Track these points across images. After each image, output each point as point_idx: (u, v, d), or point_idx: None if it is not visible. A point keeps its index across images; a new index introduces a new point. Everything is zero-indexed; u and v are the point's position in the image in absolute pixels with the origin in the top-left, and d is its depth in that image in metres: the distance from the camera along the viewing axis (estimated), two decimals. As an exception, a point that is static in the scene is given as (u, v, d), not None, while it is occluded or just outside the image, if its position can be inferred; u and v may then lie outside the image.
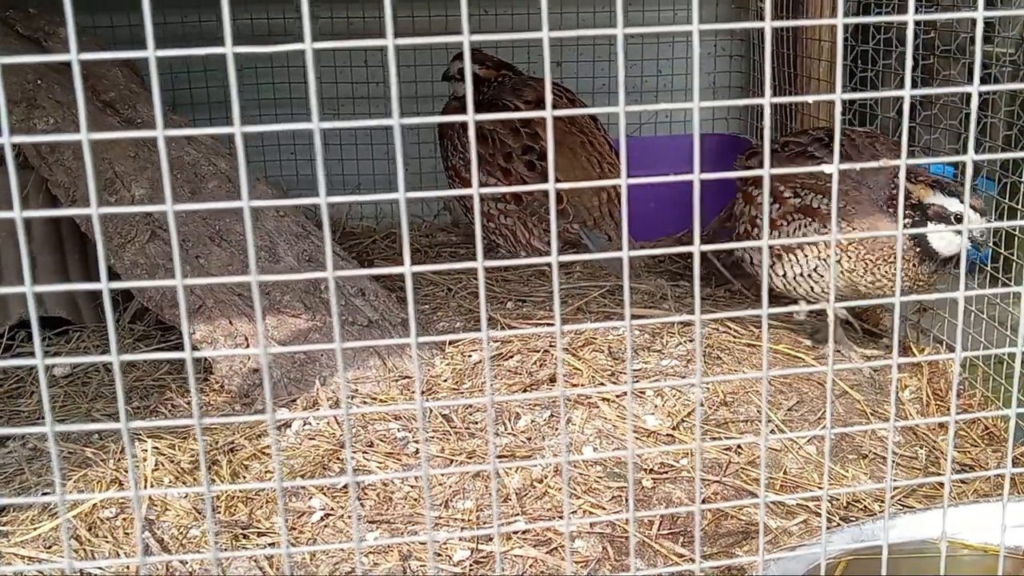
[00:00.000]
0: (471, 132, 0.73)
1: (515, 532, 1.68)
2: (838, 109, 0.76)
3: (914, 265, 2.09)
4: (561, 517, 1.71)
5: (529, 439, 1.97)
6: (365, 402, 2.15)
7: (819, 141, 2.36)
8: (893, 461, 1.95)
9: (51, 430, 0.79)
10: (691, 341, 2.33)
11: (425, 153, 3.37)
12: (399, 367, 2.24)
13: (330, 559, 1.65)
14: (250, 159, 3.04)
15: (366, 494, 1.82)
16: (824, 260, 2.14)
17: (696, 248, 0.82)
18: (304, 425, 2.05)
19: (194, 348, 2.24)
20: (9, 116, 0.71)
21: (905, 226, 2.09)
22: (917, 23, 2.57)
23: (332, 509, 1.79)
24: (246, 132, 0.77)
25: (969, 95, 2.36)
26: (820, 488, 1.75)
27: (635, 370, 2.22)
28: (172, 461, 1.91)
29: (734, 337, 2.37)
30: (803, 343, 2.40)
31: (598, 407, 2.05)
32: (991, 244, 2.38)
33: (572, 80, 3.33)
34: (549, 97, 0.77)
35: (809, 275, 2.18)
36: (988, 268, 2.30)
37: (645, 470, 1.87)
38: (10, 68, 2.37)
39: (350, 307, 2.32)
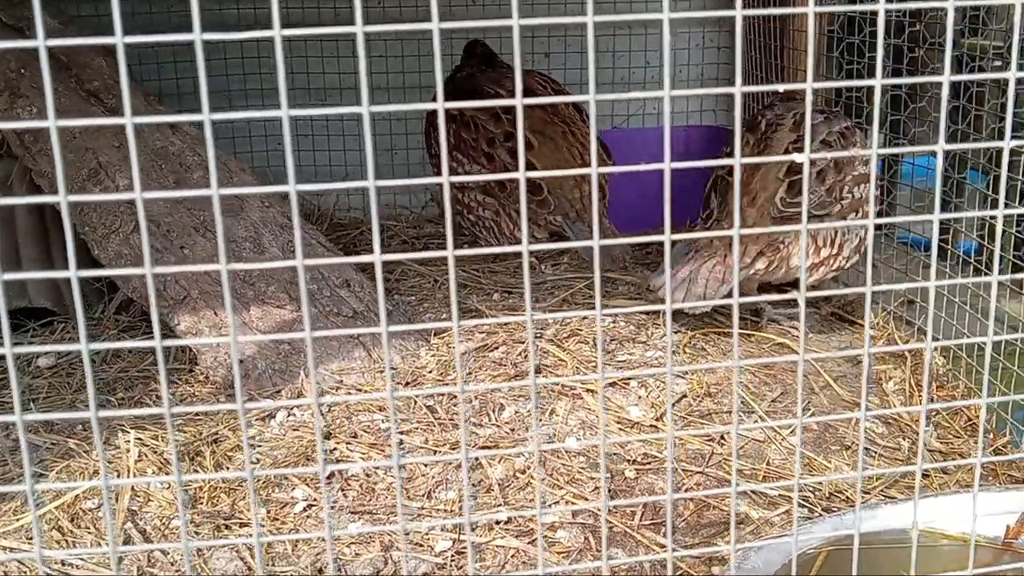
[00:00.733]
0: (440, 119, 0.73)
1: (497, 522, 1.69)
2: (808, 98, 0.76)
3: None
4: (545, 506, 1.72)
5: (513, 430, 1.97)
6: (350, 393, 2.14)
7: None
8: (876, 452, 1.96)
9: (20, 419, 0.79)
10: (676, 332, 2.33)
11: (413, 144, 3.37)
12: (384, 358, 2.23)
13: (312, 549, 1.65)
14: (237, 150, 3.04)
15: (349, 485, 1.82)
16: None
17: (667, 237, 0.82)
18: (288, 416, 2.05)
19: (179, 339, 2.24)
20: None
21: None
22: (901, 13, 2.55)
23: (315, 500, 1.78)
24: (216, 119, 0.77)
25: (957, 87, 2.36)
26: (800, 478, 1.75)
27: (619, 361, 2.22)
28: (155, 452, 1.91)
29: (719, 328, 2.37)
30: (791, 332, 2.41)
31: (582, 398, 2.05)
32: (975, 237, 2.39)
33: (559, 72, 3.33)
34: (519, 85, 0.77)
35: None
36: (972, 261, 2.31)
37: (628, 461, 1.87)
38: (-7, 57, 2.37)
39: (335, 298, 2.32)
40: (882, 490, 1.83)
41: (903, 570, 1.41)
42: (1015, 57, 0.78)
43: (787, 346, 2.35)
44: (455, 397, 2.09)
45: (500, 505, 1.75)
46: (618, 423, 1.99)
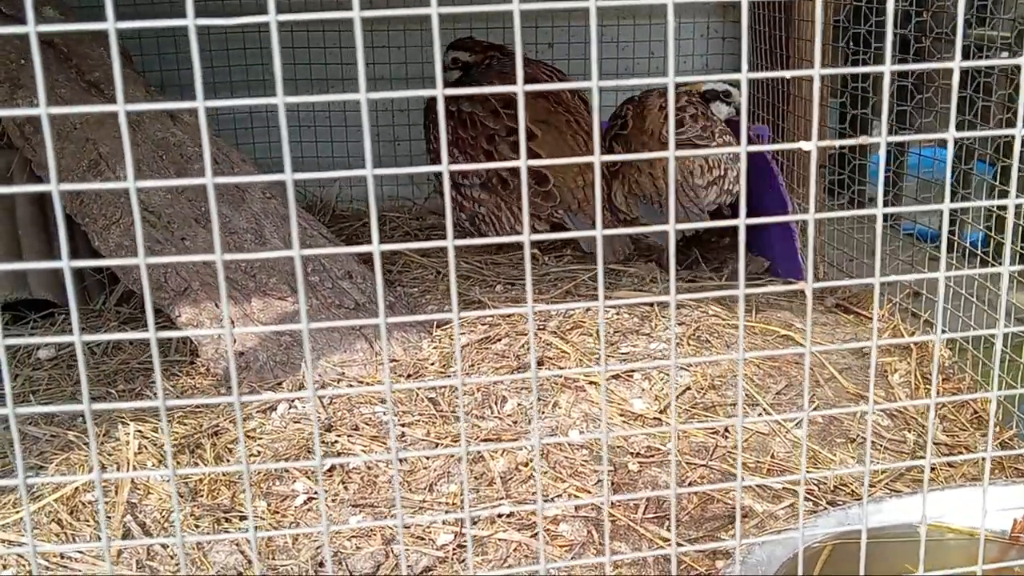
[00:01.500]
0: (439, 106, 0.71)
1: (499, 516, 1.67)
2: (816, 84, 0.74)
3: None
4: (547, 501, 1.70)
5: (515, 423, 1.96)
6: (351, 385, 2.13)
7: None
8: (882, 445, 1.94)
9: (12, 412, 0.77)
10: (680, 324, 2.32)
11: (415, 135, 3.35)
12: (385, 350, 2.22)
13: (312, 543, 1.64)
14: (240, 141, 3.02)
15: (350, 477, 1.81)
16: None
17: (672, 227, 0.80)
18: (289, 408, 2.04)
19: (176, 330, 2.22)
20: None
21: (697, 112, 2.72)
22: (909, 2, 2.53)
23: (316, 493, 1.77)
24: (210, 106, 0.75)
25: (964, 77, 2.34)
26: (806, 472, 1.74)
27: (623, 353, 2.21)
28: (155, 444, 1.89)
29: (722, 320, 2.35)
30: (795, 324, 2.39)
31: (585, 391, 2.04)
32: (982, 228, 2.37)
33: (563, 62, 3.30)
34: (520, 70, 0.75)
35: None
36: (980, 252, 2.29)
37: (631, 454, 1.86)
38: (-8, 47, 2.35)
39: (337, 290, 2.31)
40: (887, 483, 1.81)
41: (909, 564, 1.39)
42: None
43: (791, 338, 2.33)
44: (457, 389, 2.07)
45: (502, 498, 1.73)
46: (621, 416, 1.97)
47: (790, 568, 1.40)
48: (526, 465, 1.82)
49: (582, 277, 2.64)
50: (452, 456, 1.83)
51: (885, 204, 2.69)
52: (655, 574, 1.56)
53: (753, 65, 3.18)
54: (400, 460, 1.84)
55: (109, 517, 1.71)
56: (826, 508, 1.69)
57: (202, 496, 1.76)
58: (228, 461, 1.88)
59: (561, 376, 2.05)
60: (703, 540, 1.65)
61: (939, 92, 2.59)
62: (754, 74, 0.73)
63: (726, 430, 1.93)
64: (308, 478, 1.81)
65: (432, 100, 2.98)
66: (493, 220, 2.87)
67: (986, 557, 1.30)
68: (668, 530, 1.66)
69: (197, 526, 1.68)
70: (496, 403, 2.02)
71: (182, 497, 1.75)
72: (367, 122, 0.74)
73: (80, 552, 1.60)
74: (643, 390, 2.05)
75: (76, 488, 1.76)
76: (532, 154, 2.74)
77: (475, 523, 1.67)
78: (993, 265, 2.21)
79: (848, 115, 2.91)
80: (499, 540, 1.63)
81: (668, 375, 2.08)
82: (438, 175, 3.25)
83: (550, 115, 2.83)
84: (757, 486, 1.76)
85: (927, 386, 2.17)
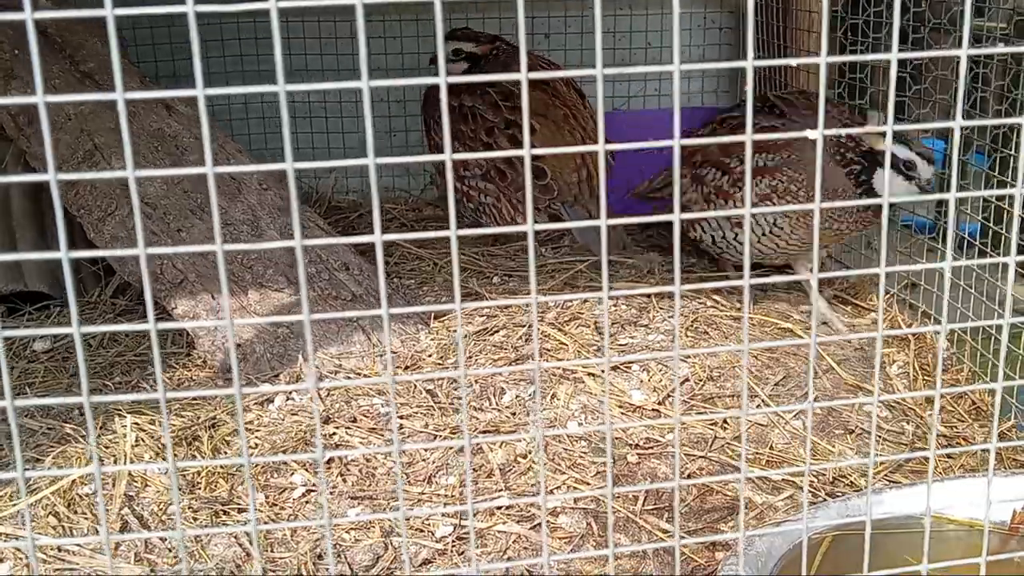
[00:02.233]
0: (443, 94, 0.71)
1: (498, 508, 1.67)
2: (823, 72, 0.73)
3: (861, 211, 2.23)
4: (548, 493, 1.70)
5: (514, 414, 1.96)
6: (349, 377, 2.12)
7: (757, 110, 2.38)
8: (880, 436, 1.94)
9: (10, 404, 0.77)
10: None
11: (412, 126, 3.34)
12: (384, 342, 2.21)
13: (311, 535, 1.64)
14: (236, 132, 3.00)
15: (348, 470, 1.80)
16: (784, 215, 2.20)
17: (676, 217, 0.79)
18: (287, 400, 2.03)
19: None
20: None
21: (854, 172, 2.13)
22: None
23: (314, 485, 1.77)
24: (210, 95, 0.74)
25: (958, 65, 2.33)
26: (805, 463, 1.73)
27: (622, 345, 2.20)
28: (153, 437, 1.89)
29: (721, 311, 2.35)
30: (793, 316, 2.39)
31: (584, 382, 2.03)
32: (980, 219, 2.36)
33: (559, 52, 3.29)
34: (524, 59, 0.75)
35: (771, 232, 2.23)
36: (978, 243, 2.28)
37: (630, 445, 1.86)
38: (-14, 38, 2.33)
39: (334, 281, 2.30)
40: (886, 475, 1.81)
41: (909, 556, 1.39)
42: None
43: (789, 330, 2.33)
44: (455, 381, 2.07)
45: (501, 490, 1.73)
46: (620, 407, 1.97)
47: (790, 560, 1.39)
48: (525, 457, 1.82)
49: (579, 268, 2.63)
50: (450, 448, 1.82)
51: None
52: (654, 566, 1.56)
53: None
54: (400, 452, 1.83)
55: (107, 510, 1.70)
56: (825, 500, 1.69)
57: (200, 489, 1.75)
58: (225, 453, 1.87)
59: (560, 367, 2.04)
60: (702, 532, 1.64)
61: (936, 82, 2.58)
62: (760, 62, 0.73)
63: (725, 421, 1.92)
64: (306, 470, 1.80)
65: (430, 93, 2.97)
66: (493, 211, 2.86)
67: (988, 549, 1.30)
68: (667, 522, 1.65)
69: (195, 519, 1.67)
70: (494, 395, 2.01)
71: (180, 490, 1.74)
72: (369, 110, 0.73)
73: (78, 545, 1.59)
74: (641, 381, 2.04)
75: (73, 481, 1.75)
76: (532, 147, 2.73)
77: (474, 515, 1.66)
78: (991, 256, 2.21)
79: (846, 105, 2.90)
80: (498, 532, 1.63)
81: (667, 367, 2.07)
82: (437, 167, 3.23)
83: (548, 109, 2.82)
84: (757, 478, 1.75)
85: (925, 377, 2.17)
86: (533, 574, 1.53)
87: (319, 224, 2.47)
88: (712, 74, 3.42)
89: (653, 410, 1.96)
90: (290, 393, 2.03)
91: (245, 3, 0.73)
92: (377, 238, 0.74)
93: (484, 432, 1.89)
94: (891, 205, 2.15)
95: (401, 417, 1.95)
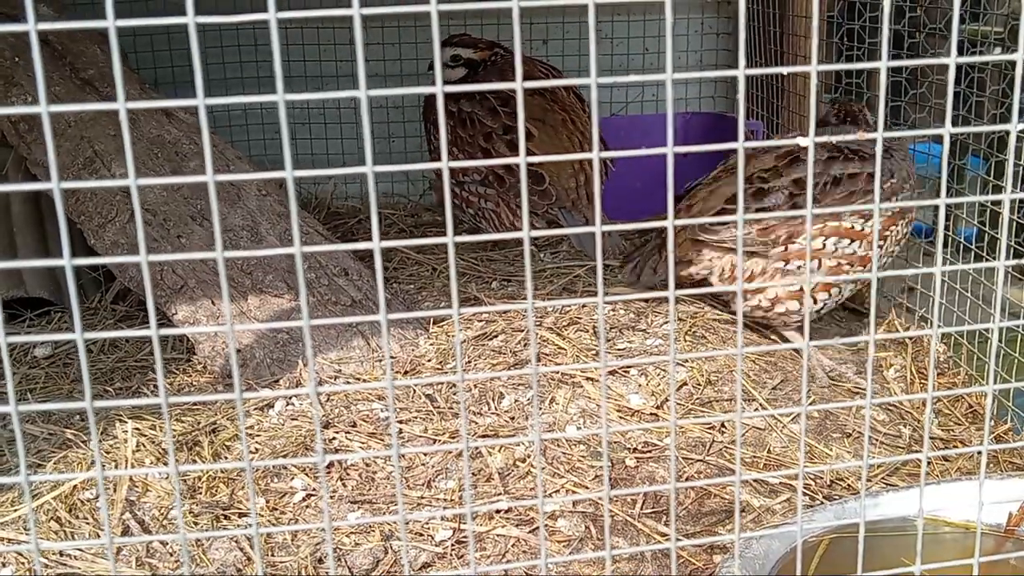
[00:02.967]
0: (439, 103, 0.72)
1: (497, 511, 1.68)
2: (813, 81, 0.74)
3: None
4: (546, 496, 1.71)
5: (512, 419, 1.97)
6: (348, 382, 2.13)
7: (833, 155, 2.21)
8: (877, 440, 1.95)
9: (15, 409, 0.78)
10: (677, 320, 2.32)
11: (410, 132, 3.35)
12: (383, 347, 2.23)
13: (311, 539, 1.64)
14: (235, 139, 3.02)
15: (348, 474, 1.81)
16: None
17: (670, 223, 0.81)
18: (287, 405, 2.04)
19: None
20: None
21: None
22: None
23: (314, 489, 1.78)
24: (210, 104, 0.76)
25: (956, 72, 2.34)
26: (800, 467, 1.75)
27: (619, 349, 2.21)
28: (153, 442, 1.90)
29: (719, 315, 2.36)
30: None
31: (582, 387, 2.04)
32: (976, 223, 2.38)
33: (557, 58, 3.31)
34: (519, 68, 0.76)
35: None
36: (974, 247, 2.30)
37: (628, 449, 1.87)
38: (-13, 45, 2.35)
39: (333, 287, 2.31)
40: (883, 478, 1.82)
41: (905, 558, 1.40)
42: (1023, 39, 0.77)
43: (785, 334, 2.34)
44: (454, 386, 2.08)
45: (500, 494, 1.74)
46: (618, 411, 1.98)
47: (788, 563, 1.40)
48: (523, 461, 1.83)
49: (577, 272, 2.65)
50: (449, 453, 1.83)
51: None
52: (653, 569, 1.57)
53: (747, 61, 3.19)
54: (399, 456, 1.84)
55: (108, 514, 1.71)
56: (822, 502, 1.70)
57: (200, 493, 1.76)
58: (226, 458, 1.88)
59: (558, 372, 2.05)
60: (700, 535, 1.65)
61: (932, 87, 2.59)
62: (752, 71, 0.74)
63: (722, 425, 1.93)
64: (306, 475, 1.81)
65: (431, 99, 2.98)
66: (492, 217, 2.87)
67: (982, 550, 1.31)
68: (666, 525, 1.66)
69: (196, 523, 1.68)
70: (493, 399, 2.02)
71: (180, 495, 1.75)
72: (367, 119, 0.75)
73: (79, 550, 1.60)
74: (639, 386, 2.05)
75: (74, 486, 1.76)
76: (528, 153, 2.74)
77: (473, 518, 1.67)
78: (987, 260, 2.22)
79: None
80: (497, 536, 1.64)
81: (664, 371, 2.08)
82: (436, 172, 3.24)
83: (546, 114, 2.83)
84: (754, 481, 1.76)
85: (922, 381, 2.18)
86: (532, 577, 1.54)
87: (319, 230, 2.48)
88: (709, 80, 3.44)
89: (651, 414, 1.97)
90: (290, 398, 2.04)
91: (245, 16, 0.74)
92: (375, 245, 0.75)
93: (483, 436, 1.90)
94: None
95: (400, 422, 1.96)
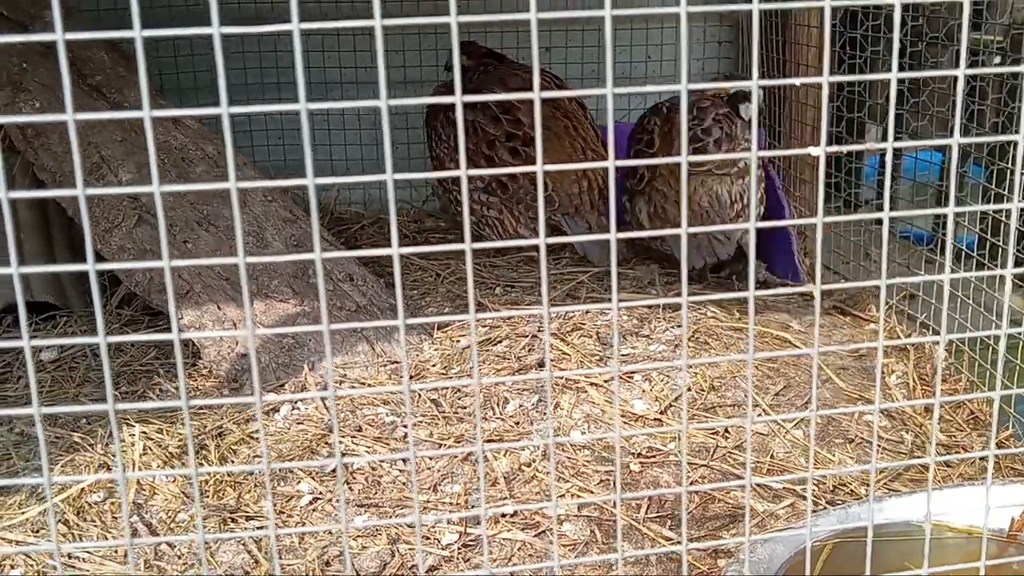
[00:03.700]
0: (459, 113, 0.73)
1: (503, 515, 1.69)
2: (825, 91, 0.76)
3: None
4: (549, 500, 1.72)
5: (517, 423, 1.98)
6: (353, 386, 2.15)
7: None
8: (879, 446, 1.97)
9: (37, 412, 0.79)
10: (679, 326, 2.34)
11: (414, 138, 3.37)
12: (388, 352, 2.24)
13: (318, 542, 1.66)
14: (239, 145, 3.04)
15: (354, 478, 1.82)
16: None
17: (684, 231, 0.82)
18: (292, 410, 2.05)
19: (182, 333, 2.24)
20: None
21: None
22: (905, 8, 2.56)
23: (321, 493, 1.79)
24: (233, 113, 0.77)
25: (955, 82, 2.36)
26: (806, 471, 1.76)
27: (623, 355, 2.23)
28: (160, 446, 1.91)
29: (720, 321, 2.37)
30: (792, 326, 2.41)
31: (586, 392, 2.05)
32: (977, 231, 2.39)
33: (560, 66, 3.32)
34: (537, 79, 0.77)
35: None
36: (975, 255, 2.31)
37: (633, 454, 1.88)
38: (-5, 51, 2.36)
39: (338, 292, 2.32)
40: (886, 483, 1.84)
41: (909, 563, 1.41)
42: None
43: (788, 340, 2.35)
44: (459, 391, 2.09)
45: (506, 498, 1.75)
46: (622, 417, 1.99)
47: (792, 566, 1.42)
48: (529, 466, 1.84)
49: (581, 279, 2.66)
50: (455, 457, 1.84)
51: (880, 207, 2.71)
52: (658, 573, 1.58)
53: (750, 69, 3.20)
54: (404, 461, 1.85)
55: (116, 518, 1.72)
56: (826, 508, 1.71)
57: (208, 496, 1.77)
58: (232, 462, 1.89)
59: (563, 377, 2.07)
60: (704, 539, 1.67)
61: (933, 96, 2.61)
62: (765, 81, 0.75)
63: (726, 431, 1.95)
64: (313, 478, 1.82)
65: (433, 107, 3.00)
66: (496, 224, 2.89)
67: (985, 555, 1.33)
68: (670, 529, 1.68)
69: (204, 526, 1.69)
70: (498, 404, 2.04)
71: (188, 498, 1.76)
72: (388, 128, 0.76)
73: (88, 552, 1.61)
74: (644, 391, 2.07)
75: (82, 489, 1.77)
76: (532, 159, 2.76)
77: (479, 523, 1.68)
78: (988, 268, 2.24)
79: (844, 118, 2.94)
80: (503, 539, 1.65)
81: (668, 376, 2.10)
82: (438, 179, 3.26)
83: (549, 121, 2.85)
84: (757, 486, 1.78)
85: (924, 387, 2.20)
86: (538, 581, 1.55)
87: (324, 236, 2.49)
88: (716, 89, 3.45)
89: (655, 419, 1.98)
90: (295, 403, 2.05)
91: (267, 26, 0.75)
92: (395, 251, 0.77)
93: (488, 441, 1.92)
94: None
95: (406, 427, 1.97)
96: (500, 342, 2.28)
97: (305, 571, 1.59)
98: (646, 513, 1.72)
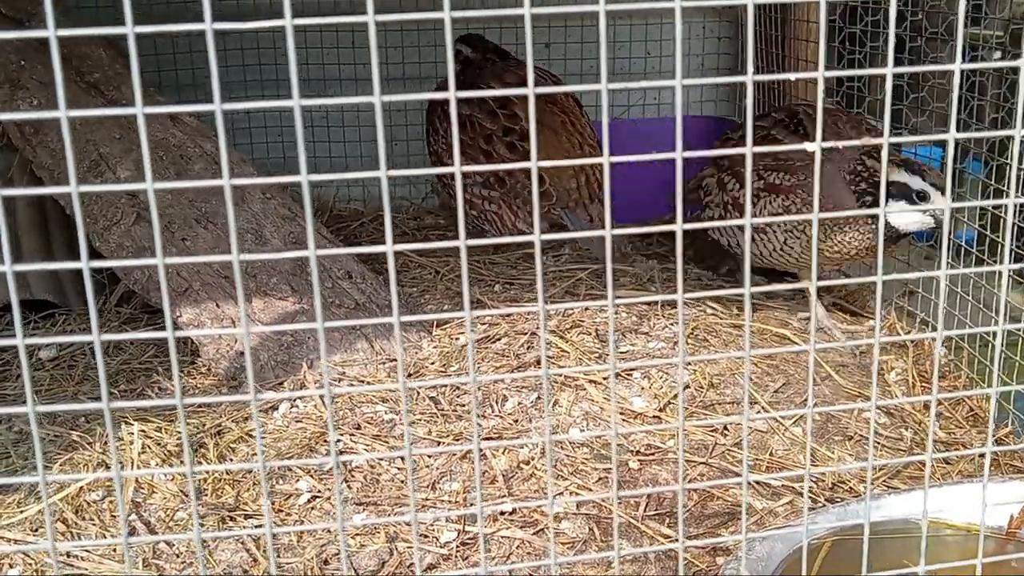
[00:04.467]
0: (452, 109, 0.73)
1: (502, 513, 1.69)
2: (820, 87, 0.76)
3: (869, 236, 2.22)
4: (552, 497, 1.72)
5: (516, 421, 1.98)
6: (352, 384, 2.14)
7: (781, 123, 2.41)
8: (878, 443, 1.96)
9: (32, 410, 0.79)
10: (678, 323, 2.33)
11: (412, 135, 3.36)
12: (386, 350, 2.24)
13: (317, 540, 1.65)
14: (237, 142, 3.04)
15: (353, 476, 1.82)
16: (793, 232, 2.24)
17: (679, 227, 0.82)
18: (291, 408, 2.05)
19: (179, 331, 2.23)
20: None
21: (865, 203, 2.14)
22: (904, 2, 2.55)
23: (319, 491, 1.79)
24: (226, 110, 0.77)
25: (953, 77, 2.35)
26: (805, 469, 1.76)
27: (622, 352, 2.22)
28: (159, 444, 1.91)
29: (720, 319, 2.37)
30: (791, 324, 2.41)
31: (585, 389, 2.05)
32: (976, 227, 2.39)
33: (559, 62, 3.32)
34: (531, 75, 0.77)
35: (781, 249, 2.25)
36: (975, 251, 2.31)
37: (632, 452, 1.88)
38: (-7, 49, 2.36)
39: (337, 290, 2.32)
40: (884, 480, 1.83)
41: (908, 560, 1.41)
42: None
43: (787, 337, 2.35)
44: (457, 388, 2.09)
45: (504, 496, 1.75)
46: (621, 414, 1.99)
47: (790, 564, 1.41)
48: (527, 463, 1.84)
49: (580, 276, 2.66)
50: (454, 455, 1.84)
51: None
52: (656, 570, 1.58)
53: (746, 63, 3.20)
54: (402, 459, 1.85)
55: (114, 516, 1.72)
56: (824, 505, 1.71)
57: (207, 495, 1.77)
58: (231, 460, 1.89)
59: (562, 375, 2.06)
60: (703, 537, 1.66)
61: (933, 91, 2.61)
62: (760, 76, 0.75)
63: (725, 428, 1.94)
64: (311, 476, 1.82)
65: (432, 103, 3.00)
66: (495, 219, 2.88)
67: (984, 552, 1.32)
68: (668, 527, 1.67)
69: (202, 524, 1.69)
70: (497, 402, 2.03)
71: (186, 496, 1.76)
72: (381, 124, 0.76)
73: (86, 551, 1.61)
74: (642, 388, 2.06)
75: (80, 488, 1.77)
76: (528, 154, 2.75)
77: (477, 521, 1.68)
78: (988, 263, 2.23)
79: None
80: (502, 537, 1.65)
81: (667, 374, 2.10)
82: (438, 175, 3.25)
83: (545, 116, 2.84)
84: (756, 483, 1.77)
85: (923, 384, 2.19)
86: (536, 579, 1.55)
87: (323, 233, 2.49)
88: (711, 84, 3.45)
89: (654, 417, 1.98)
90: (294, 401, 2.05)
91: (260, 22, 0.75)
92: (389, 248, 0.76)
93: (487, 439, 1.91)
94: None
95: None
96: (499, 340, 2.27)
97: (303, 569, 1.59)
98: (645, 511, 1.72)
